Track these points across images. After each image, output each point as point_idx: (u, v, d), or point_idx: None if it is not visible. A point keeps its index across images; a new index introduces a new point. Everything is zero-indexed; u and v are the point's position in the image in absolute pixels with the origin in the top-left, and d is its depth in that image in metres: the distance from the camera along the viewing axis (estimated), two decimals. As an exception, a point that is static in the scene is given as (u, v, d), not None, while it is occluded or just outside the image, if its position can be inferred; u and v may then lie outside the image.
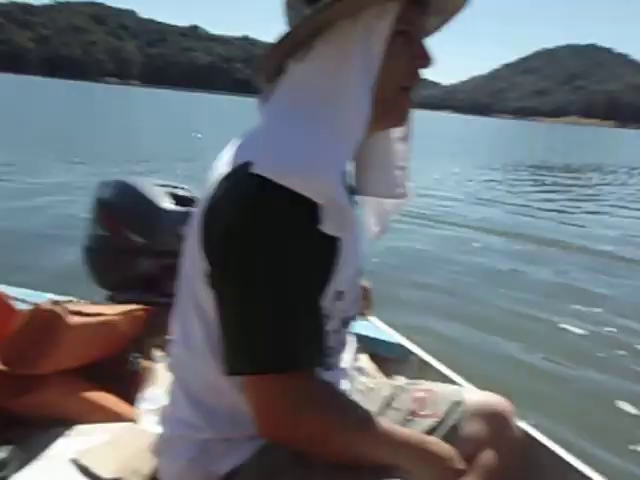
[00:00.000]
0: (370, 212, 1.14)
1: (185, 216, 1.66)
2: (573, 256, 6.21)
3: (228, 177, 0.83)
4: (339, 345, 1.01)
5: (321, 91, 0.83)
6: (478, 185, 11.77)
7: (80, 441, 1.22)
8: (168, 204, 1.85)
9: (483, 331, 3.81)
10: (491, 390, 1.24)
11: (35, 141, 12.57)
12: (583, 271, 5.64)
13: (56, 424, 1.27)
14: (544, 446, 1.24)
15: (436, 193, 9.64)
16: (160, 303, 1.55)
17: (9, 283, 1.93)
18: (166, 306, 1.01)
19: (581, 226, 8.09)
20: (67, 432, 1.25)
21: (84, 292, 1.88)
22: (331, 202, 0.80)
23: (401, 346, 1.72)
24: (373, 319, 1.69)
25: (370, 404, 1.13)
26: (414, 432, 0.95)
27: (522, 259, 5.93)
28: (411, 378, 1.29)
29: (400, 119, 0.94)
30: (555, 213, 9.04)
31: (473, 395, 1.19)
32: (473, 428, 1.12)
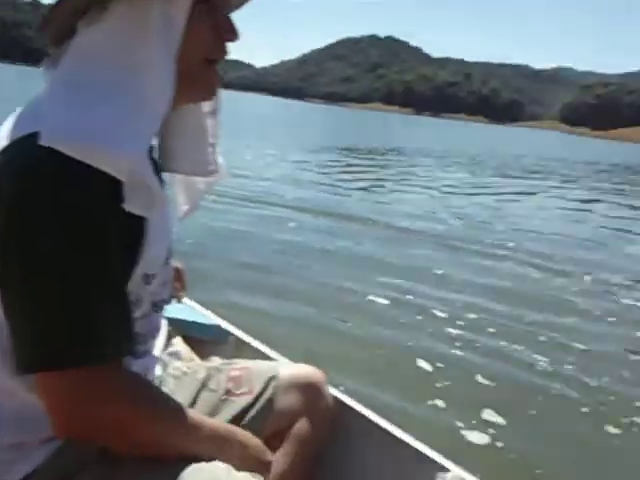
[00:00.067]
0: (179, 190, 1.09)
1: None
2: (379, 231, 6.74)
3: (5, 151, 0.73)
4: (150, 330, 0.96)
5: (116, 58, 0.75)
6: (292, 166, 12.14)
7: None
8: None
9: (299, 305, 3.97)
10: (306, 362, 1.29)
11: None
12: (385, 244, 6.17)
13: None
14: (354, 410, 1.32)
15: (250, 174, 9.75)
16: None
17: None
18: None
19: (384, 203, 8.80)
20: None
21: None
22: (135, 179, 0.74)
23: (217, 327, 1.70)
24: (187, 301, 1.65)
25: (185, 388, 1.11)
26: (222, 423, 0.95)
27: (333, 235, 6.28)
28: (228, 358, 1.29)
29: (208, 92, 0.90)
30: (362, 192, 9.70)
31: (287, 369, 1.22)
32: (287, 401, 1.15)
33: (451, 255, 5.97)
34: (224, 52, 0.86)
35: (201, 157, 1.01)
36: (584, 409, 3.01)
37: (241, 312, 3.32)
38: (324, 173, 11.65)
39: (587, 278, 5.53)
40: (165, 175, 0.99)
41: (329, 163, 13.86)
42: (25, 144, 0.71)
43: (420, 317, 4.10)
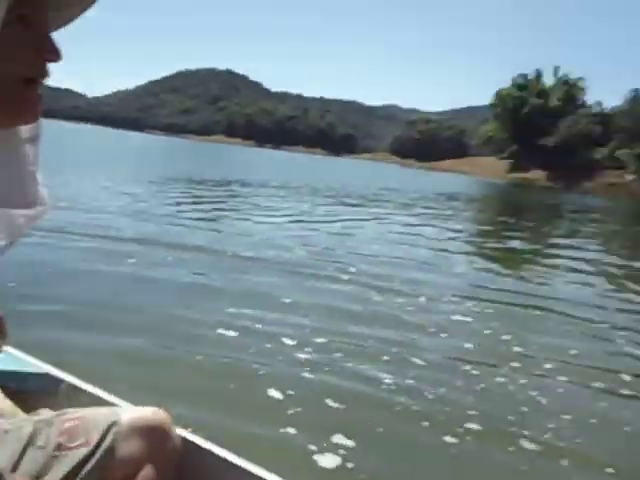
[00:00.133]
0: (-5, 224, 0.98)
1: None
2: (224, 261, 6.67)
3: None
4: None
5: None
6: (130, 198, 11.62)
7: None
8: None
9: (141, 342, 3.77)
10: (152, 403, 1.21)
11: None
12: (230, 274, 6.13)
13: None
14: (203, 449, 1.27)
15: (84, 206, 9.16)
16: None
17: None
18: None
19: (228, 233, 8.76)
20: None
21: None
22: None
23: (46, 375, 1.54)
24: (9, 349, 1.47)
25: (6, 448, 0.98)
26: None
27: (176, 267, 6.10)
28: (61, 409, 1.16)
29: (28, 115, 0.82)
30: (205, 222, 9.56)
31: (129, 413, 1.13)
32: (130, 447, 1.07)
33: (297, 281, 6.09)
34: (45, 72, 0.79)
35: (18, 187, 0.92)
36: (425, 422, 3.20)
37: (74, 356, 3.06)
38: (165, 204, 11.32)
39: (422, 297, 5.96)
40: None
41: (170, 194, 13.50)
42: None
43: (270, 345, 4.10)
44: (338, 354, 4.11)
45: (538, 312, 5.84)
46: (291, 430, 2.89)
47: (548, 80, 67.79)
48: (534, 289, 6.99)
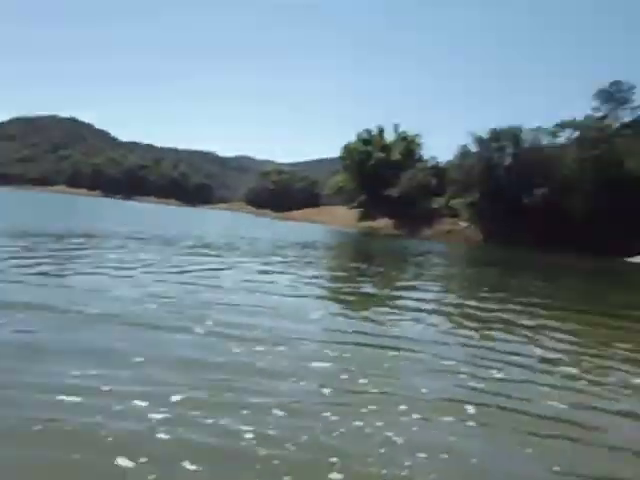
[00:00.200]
0: None
1: None
2: (64, 317, 6.13)
3: None
4: None
5: None
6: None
7: None
8: None
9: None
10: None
11: None
12: (65, 330, 5.65)
13: None
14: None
15: None
16: None
17: None
18: None
19: (70, 288, 8.10)
20: None
21: None
22: None
23: None
24: None
25: None
26: None
27: (4, 325, 5.48)
28: None
29: None
30: (43, 277, 8.78)
31: None
32: None
33: (148, 336, 5.77)
34: None
35: None
36: (286, 477, 3.12)
37: None
38: (-1, 261, 10.24)
39: (280, 346, 5.93)
40: None
41: (2, 249, 12.26)
42: None
43: (119, 407, 3.80)
44: (195, 410, 3.91)
45: (391, 353, 6.09)
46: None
47: (389, 136, 73.47)
48: (386, 331, 7.31)
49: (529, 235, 44.52)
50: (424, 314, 8.89)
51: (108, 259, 12.17)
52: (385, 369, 5.46)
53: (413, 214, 58.08)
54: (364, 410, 4.25)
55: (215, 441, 3.47)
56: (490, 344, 7.02)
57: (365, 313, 8.47)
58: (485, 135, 56.05)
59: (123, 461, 3.06)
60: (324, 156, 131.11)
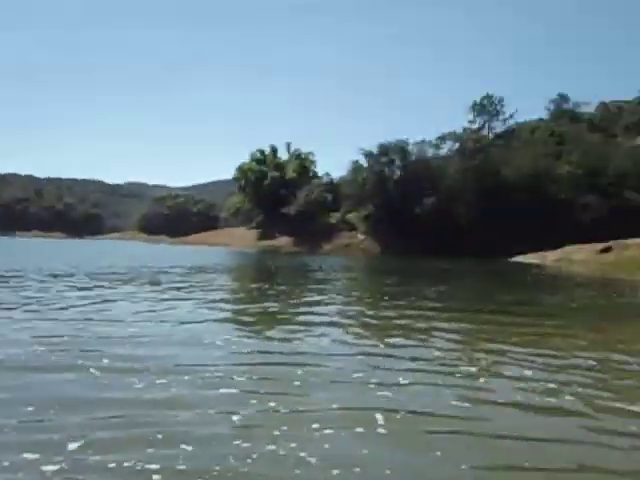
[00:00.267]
0: None
1: None
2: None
3: None
4: None
5: None
6: None
7: None
8: None
9: None
10: None
11: None
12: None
13: None
14: None
15: None
16: None
17: None
18: None
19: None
20: None
21: None
22: None
23: None
24: None
25: None
26: None
27: None
28: None
29: None
30: None
31: None
32: None
33: (37, 379, 5.33)
34: None
35: None
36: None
37: None
38: None
39: (186, 375, 5.70)
40: None
41: None
42: None
43: (7, 462, 3.45)
44: (96, 455, 3.64)
45: (299, 370, 6.05)
46: None
47: (283, 155, 74.23)
48: (293, 348, 7.27)
49: (423, 243, 46.59)
50: (329, 328, 8.96)
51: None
52: (294, 387, 5.41)
53: (312, 230, 58.88)
54: (276, 433, 4.17)
55: (119, 485, 3.24)
56: (394, 351, 7.19)
57: (270, 333, 8.39)
58: (374, 150, 58.21)
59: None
60: (219, 178, 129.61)
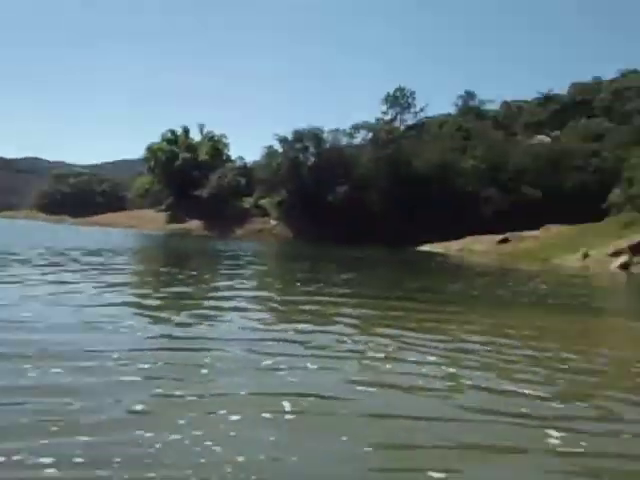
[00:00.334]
0: None
1: None
2: None
3: None
4: None
5: None
6: None
7: None
8: None
9: None
10: None
11: None
12: None
13: None
14: None
15: None
16: None
17: None
18: None
19: None
20: None
21: None
22: None
23: None
24: None
25: None
26: None
27: None
28: None
29: None
30: None
31: None
32: None
33: None
34: None
35: None
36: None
37: None
38: None
39: (90, 361, 5.42)
40: None
41: None
42: None
43: None
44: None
45: (208, 355, 5.93)
46: None
47: (195, 136, 72.31)
48: (202, 333, 7.12)
49: (335, 231, 47.29)
50: (239, 313, 8.88)
51: None
52: (200, 373, 5.31)
53: (224, 214, 58.04)
54: (182, 422, 4.06)
55: (9, 477, 3.03)
56: (302, 337, 7.24)
57: (177, 318, 8.18)
58: (289, 136, 58.15)
59: None
60: (127, 157, 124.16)
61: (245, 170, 66.46)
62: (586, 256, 29.78)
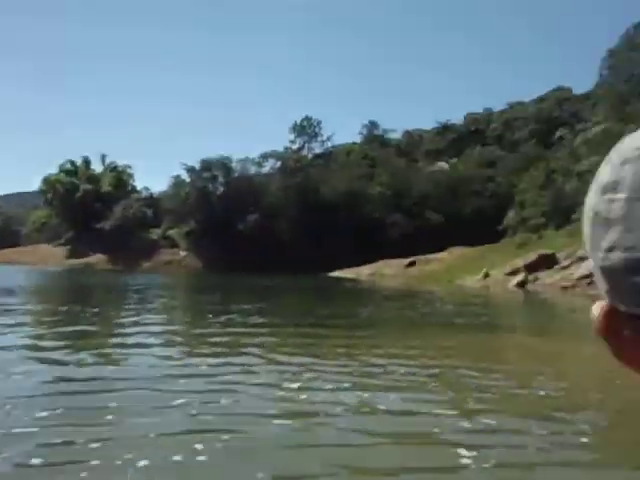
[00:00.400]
0: None
1: None
2: None
3: None
4: None
5: None
6: None
7: None
8: None
9: None
10: None
11: None
12: None
13: None
14: None
15: None
16: None
17: None
18: None
19: None
20: None
21: None
22: None
23: None
24: None
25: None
26: None
27: None
28: None
29: None
30: None
31: None
32: None
33: None
34: None
35: None
36: None
37: None
38: None
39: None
40: None
41: None
42: None
43: None
44: None
45: (115, 396, 5.58)
46: None
47: (97, 167, 69.53)
48: (108, 373, 6.72)
49: (246, 260, 46.88)
50: (146, 349, 8.49)
51: None
52: (105, 418, 4.98)
53: (130, 247, 55.92)
54: (83, 474, 3.76)
55: None
56: (215, 371, 7.02)
57: (78, 358, 7.69)
58: (197, 165, 57.38)
59: None
60: (22, 190, 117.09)
61: (152, 200, 64.62)
62: (487, 276, 31.42)
